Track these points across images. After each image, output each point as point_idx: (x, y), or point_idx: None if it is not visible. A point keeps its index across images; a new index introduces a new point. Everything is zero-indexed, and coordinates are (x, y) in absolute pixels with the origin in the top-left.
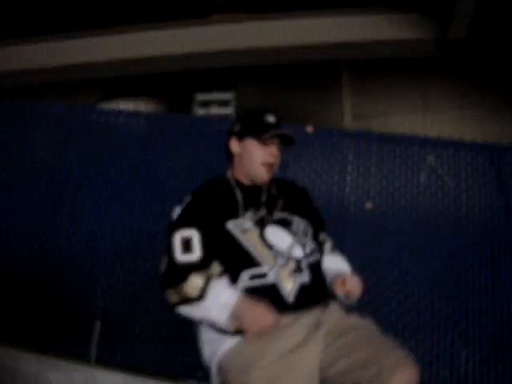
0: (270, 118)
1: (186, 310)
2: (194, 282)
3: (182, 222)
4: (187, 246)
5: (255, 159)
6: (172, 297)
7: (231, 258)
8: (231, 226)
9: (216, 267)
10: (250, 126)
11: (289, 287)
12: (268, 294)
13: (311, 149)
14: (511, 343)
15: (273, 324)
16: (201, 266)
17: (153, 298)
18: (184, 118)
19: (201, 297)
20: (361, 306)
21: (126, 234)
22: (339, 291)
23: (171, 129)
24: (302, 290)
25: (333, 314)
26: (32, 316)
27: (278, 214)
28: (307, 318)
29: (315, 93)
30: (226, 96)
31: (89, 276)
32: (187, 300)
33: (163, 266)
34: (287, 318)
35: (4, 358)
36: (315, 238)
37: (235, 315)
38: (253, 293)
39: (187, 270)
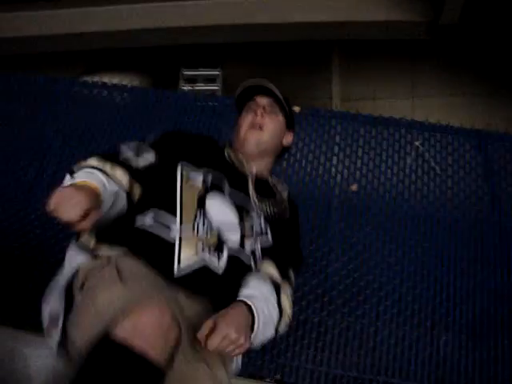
0: (244, 83)
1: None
2: (92, 161)
3: (151, 141)
4: (138, 150)
5: (242, 126)
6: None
7: (154, 190)
8: (181, 166)
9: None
10: (236, 103)
11: (186, 255)
12: (157, 248)
13: (298, 129)
14: (490, 329)
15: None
16: (130, 170)
17: None
18: (169, 93)
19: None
20: (343, 289)
21: None
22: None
23: (156, 103)
24: (201, 273)
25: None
26: (9, 291)
27: (242, 196)
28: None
29: (304, 73)
30: (213, 73)
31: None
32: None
33: None
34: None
35: None
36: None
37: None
38: (143, 236)
39: (115, 156)
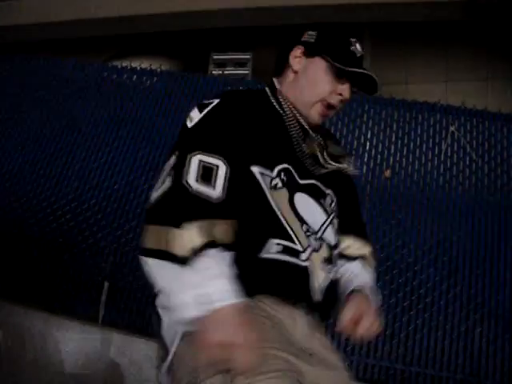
0: (358, 48)
1: (152, 267)
2: (190, 236)
3: (208, 145)
4: (207, 175)
5: (317, 90)
6: (150, 239)
7: (255, 217)
8: (257, 170)
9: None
10: (331, 44)
11: (320, 280)
12: (298, 280)
13: None
14: None
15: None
16: (219, 211)
17: None
18: (198, 77)
19: (185, 260)
20: (379, 277)
21: (136, 196)
22: (347, 330)
23: (185, 88)
24: (329, 290)
25: (323, 337)
26: (40, 274)
27: (313, 180)
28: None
29: None
30: (243, 57)
31: (98, 236)
32: (166, 255)
33: (161, 190)
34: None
35: (12, 315)
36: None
37: (205, 324)
38: (283, 270)
39: (200, 206)
